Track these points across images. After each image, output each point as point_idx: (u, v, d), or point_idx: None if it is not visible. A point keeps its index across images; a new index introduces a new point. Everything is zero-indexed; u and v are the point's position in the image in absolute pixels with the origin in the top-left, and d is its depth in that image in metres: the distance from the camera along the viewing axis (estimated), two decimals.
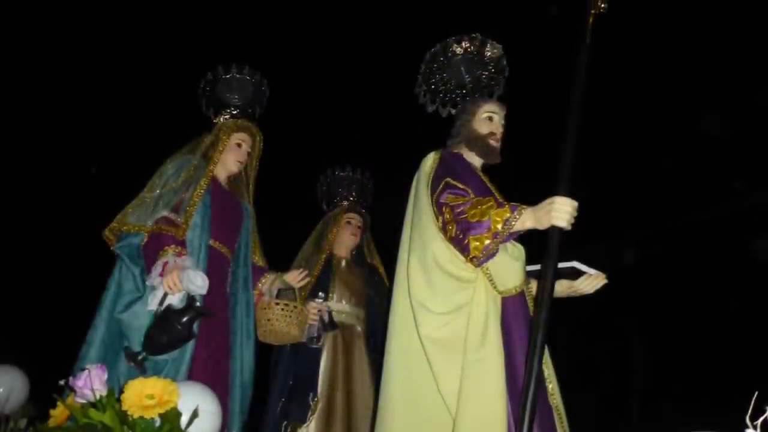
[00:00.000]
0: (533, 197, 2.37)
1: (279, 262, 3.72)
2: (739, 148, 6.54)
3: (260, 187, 3.53)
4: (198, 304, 2.75)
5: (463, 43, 2.91)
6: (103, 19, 6.57)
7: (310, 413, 3.67)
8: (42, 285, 7.39)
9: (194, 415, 1.94)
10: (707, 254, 7.32)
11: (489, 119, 2.82)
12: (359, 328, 4.03)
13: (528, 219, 2.32)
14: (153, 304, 2.76)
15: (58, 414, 2.09)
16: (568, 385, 2.70)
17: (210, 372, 2.86)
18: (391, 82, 5.66)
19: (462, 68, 2.92)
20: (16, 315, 6.84)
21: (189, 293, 2.75)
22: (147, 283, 2.84)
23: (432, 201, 2.57)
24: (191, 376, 2.74)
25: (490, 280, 2.48)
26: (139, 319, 2.79)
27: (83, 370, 2.02)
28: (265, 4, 6.72)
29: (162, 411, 1.87)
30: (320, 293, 3.80)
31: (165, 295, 2.74)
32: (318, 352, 3.81)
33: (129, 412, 1.85)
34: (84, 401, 1.97)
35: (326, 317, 3.72)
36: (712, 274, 7.25)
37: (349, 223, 4.19)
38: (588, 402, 6.98)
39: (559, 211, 2.22)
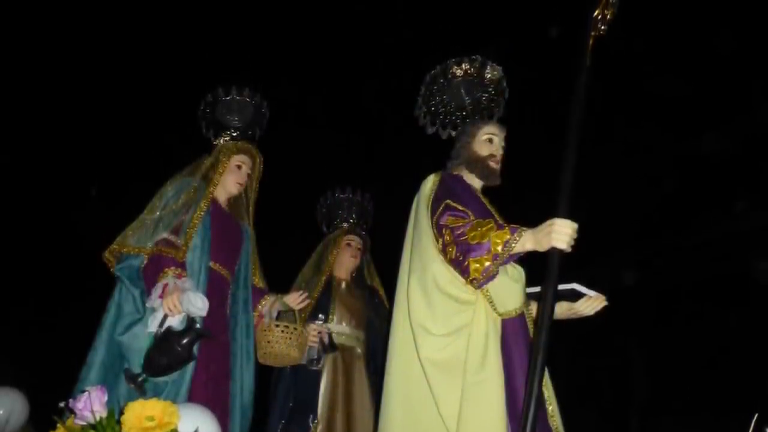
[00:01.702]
0: (533, 213, 2.37)
1: (279, 284, 3.72)
2: (740, 165, 6.55)
3: (260, 207, 3.53)
4: (198, 326, 2.74)
5: (463, 65, 2.92)
6: (103, 37, 6.58)
7: None
8: (41, 301, 7.38)
9: None
10: (707, 269, 7.32)
11: (489, 141, 2.82)
12: (359, 350, 4.02)
13: (528, 241, 2.31)
14: (153, 325, 2.76)
15: None
16: (569, 401, 2.70)
17: (210, 394, 2.86)
18: (391, 94, 5.68)
19: (462, 90, 2.92)
20: (16, 333, 6.82)
21: (189, 315, 2.75)
22: (147, 305, 2.84)
23: (432, 223, 2.56)
24: (191, 399, 2.74)
25: (490, 302, 2.48)
26: (139, 341, 2.79)
27: (83, 391, 2.00)
28: (266, 16, 6.74)
29: None
30: (320, 315, 3.79)
31: (165, 316, 2.74)
32: (318, 374, 3.80)
33: None
34: (84, 423, 1.96)
35: (326, 339, 3.70)
36: (712, 288, 7.24)
37: (349, 245, 4.18)
38: (588, 417, 6.96)
39: (559, 233, 2.21)
